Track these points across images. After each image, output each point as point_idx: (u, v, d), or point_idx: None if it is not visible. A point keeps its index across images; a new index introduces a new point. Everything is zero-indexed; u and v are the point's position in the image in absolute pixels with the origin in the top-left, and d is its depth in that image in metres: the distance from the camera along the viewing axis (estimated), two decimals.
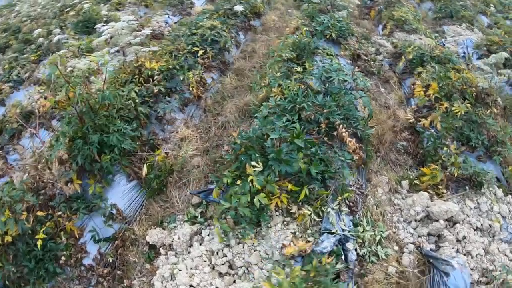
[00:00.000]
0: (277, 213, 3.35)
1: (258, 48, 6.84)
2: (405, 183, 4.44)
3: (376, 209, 4.09)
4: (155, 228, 3.72)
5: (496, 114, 4.44)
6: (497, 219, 3.99)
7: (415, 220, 4.05)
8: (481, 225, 3.94)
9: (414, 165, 4.72)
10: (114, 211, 3.60)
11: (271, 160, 3.01)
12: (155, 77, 4.76)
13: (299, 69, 4.49)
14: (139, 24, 4.92)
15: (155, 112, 4.58)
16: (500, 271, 3.61)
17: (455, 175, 3.89)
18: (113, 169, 3.66)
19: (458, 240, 3.84)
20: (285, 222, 3.34)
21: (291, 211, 3.29)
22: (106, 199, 3.60)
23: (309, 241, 3.19)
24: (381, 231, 3.85)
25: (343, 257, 3.26)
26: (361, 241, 3.67)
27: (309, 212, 3.27)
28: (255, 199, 2.88)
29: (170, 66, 4.99)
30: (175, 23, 6.99)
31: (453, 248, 3.76)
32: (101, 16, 6.69)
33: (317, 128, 3.71)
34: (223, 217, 3.21)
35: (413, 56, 5.63)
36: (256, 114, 4.28)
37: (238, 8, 6.25)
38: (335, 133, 3.77)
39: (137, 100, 4.31)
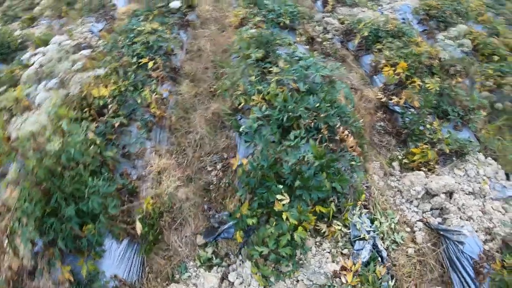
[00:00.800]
0: (307, 236, 3.19)
1: (204, 45, 6.32)
2: (396, 164, 4.61)
3: (382, 197, 4.18)
4: (169, 286, 3.29)
5: (461, 83, 4.76)
6: (485, 181, 4.37)
7: (416, 199, 4.24)
8: (473, 189, 4.32)
9: (397, 144, 4.91)
10: (117, 284, 3.07)
11: (298, 188, 2.78)
12: (109, 106, 4.07)
13: (275, 69, 4.21)
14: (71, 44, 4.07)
15: (122, 150, 3.94)
16: (499, 226, 4.02)
17: (447, 151, 4.10)
18: (102, 239, 3.08)
19: (458, 208, 4.14)
20: (317, 243, 3.20)
21: (320, 230, 3.16)
22: (103, 273, 3.03)
23: (346, 254, 3.15)
24: (392, 218, 3.97)
25: (379, 258, 3.29)
26: (382, 235, 3.75)
27: (340, 227, 3.18)
28: (295, 236, 2.65)
29: (122, 89, 4.30)
30: (101, 30, 6.03)
31: (457, 217, 4.07)
32: (15, 38, 5.47)
33: (320, 135, 3.54)
34: (254, 259, 2.93)
35: (368, 32, 5.71)
36: (242, 129, 3.93)
37: (175, 4, 5.60)
38: (336, 137, 3.65)
39: (98, 142, 3.64)
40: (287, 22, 5.54)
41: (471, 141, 4.29)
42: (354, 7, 6.95)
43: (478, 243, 3.93)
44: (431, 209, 4.22)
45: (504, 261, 3.69)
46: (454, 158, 4.38)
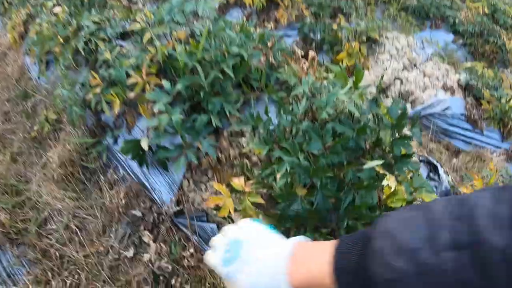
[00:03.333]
0: None
1: None
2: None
3: None
4: None
5: None
6: (407, 53, 3.86)
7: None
8: (404, 64, 3.76)
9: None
10: None
11: None
12: None
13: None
14: None
15: None
16: (447, 78, 3.66)
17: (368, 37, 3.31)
18: None
19: (415, 86, 3.51)
20: None
21: None
22: None
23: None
24: None
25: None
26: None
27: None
28: None
29: None
30: None
31: (420, 92, 3.45)
32: None
33: None
34: None
35: None
36: (148, 143, 1.89)
37: None
38: None
39: None
40: None
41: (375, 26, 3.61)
42: None
43: (456, 100, 3.40)
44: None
45: (481, 98, 3.34)
46: (372, 45, 3.63)
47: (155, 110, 1.85)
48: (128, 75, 2.04)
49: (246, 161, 1.77)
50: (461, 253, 0.41)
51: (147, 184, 2.26)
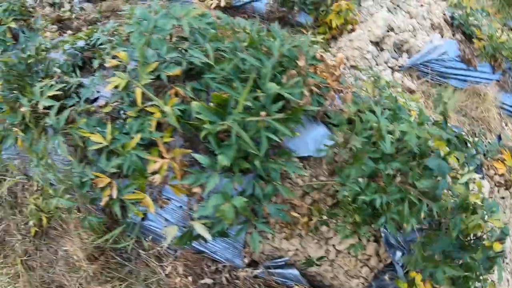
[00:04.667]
0: None
1: None
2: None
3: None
4: None
5: None
6: None
7: (373, 57, 3.01)
8: (387, 7, 3.34)
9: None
10: None
11: None
12: None
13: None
14: None
15: None
16: (433, 16, 3.38)
17: None
18: None
19: (408, 31, 3.18)
20: None
21: None
22: None
23: None
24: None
25: None
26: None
27: None
28: None
29: None
30: None
31: (414, 40, 3.13)
32: None
33: None
34: None
35: None
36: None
37: None
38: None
39: None
40: None
41: None
42: None
43: (450, 43, 3.17)
44: (389, 52, 3.08)
45: (472, 34, 3.19)
46: None
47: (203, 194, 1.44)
48: (140, 158, 1.53)
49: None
50: None
51: (204, 250, 1.95)
